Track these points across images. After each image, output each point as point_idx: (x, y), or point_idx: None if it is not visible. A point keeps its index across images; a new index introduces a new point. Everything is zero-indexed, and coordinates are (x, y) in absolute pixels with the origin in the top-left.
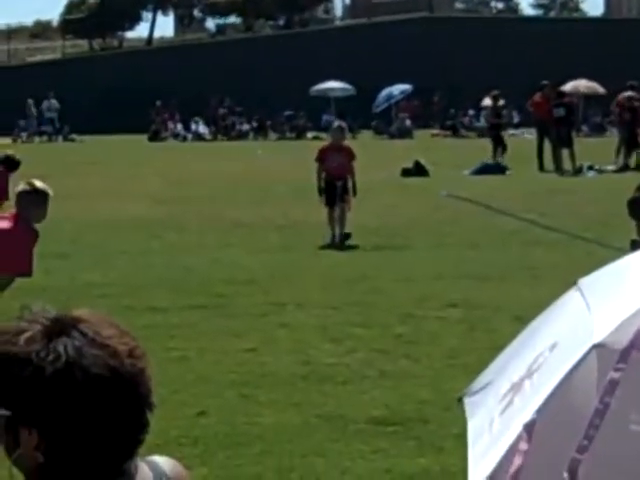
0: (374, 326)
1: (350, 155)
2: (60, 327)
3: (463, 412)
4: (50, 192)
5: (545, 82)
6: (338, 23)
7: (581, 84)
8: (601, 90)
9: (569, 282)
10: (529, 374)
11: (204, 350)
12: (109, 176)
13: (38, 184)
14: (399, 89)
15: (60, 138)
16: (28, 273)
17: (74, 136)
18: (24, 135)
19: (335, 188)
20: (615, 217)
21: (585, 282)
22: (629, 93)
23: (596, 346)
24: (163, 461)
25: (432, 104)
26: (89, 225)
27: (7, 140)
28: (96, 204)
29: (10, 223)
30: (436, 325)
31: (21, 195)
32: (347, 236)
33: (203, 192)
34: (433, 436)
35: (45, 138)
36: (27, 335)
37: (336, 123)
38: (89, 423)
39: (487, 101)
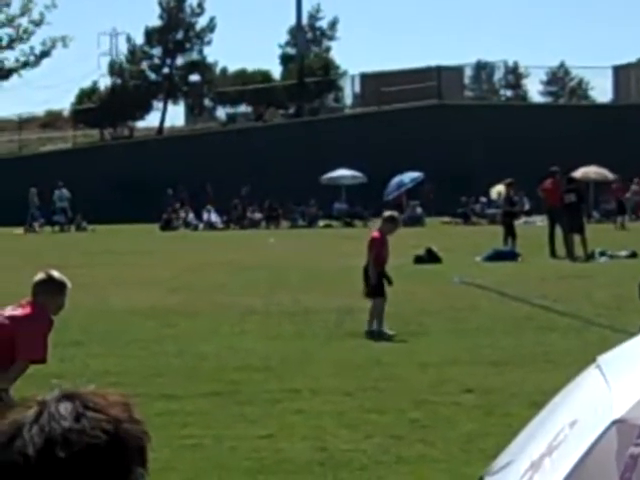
0: (389, 411)
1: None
2: (62, 395)
3: None
4: (68, 283)
5: (555, 168)
6: (348, 111)
7: (591, 170)
8: (611, 176)
9: (583, 367)
10: (549, 451)
11: (219, 437)
12: (121, 265)
13: (55, 274)
14: (410, 177)
15: (73, 228)
16: (43, 360)
17: (86, 225)
18: (35, 225)
19: (386, 278)
20: (628, 302)
21: (604, 359)
22: None
23: (616, 422)
24: None
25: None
26: (101, 314)
27: (19, 230)
28: (108, 293)
29: (27, 310)
30: (451, 410)
31: (38, 284)
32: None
33: (216, 280)
34: None
35: (57, 228)
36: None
37: (388, 213)
38: None
39: (495, 190)
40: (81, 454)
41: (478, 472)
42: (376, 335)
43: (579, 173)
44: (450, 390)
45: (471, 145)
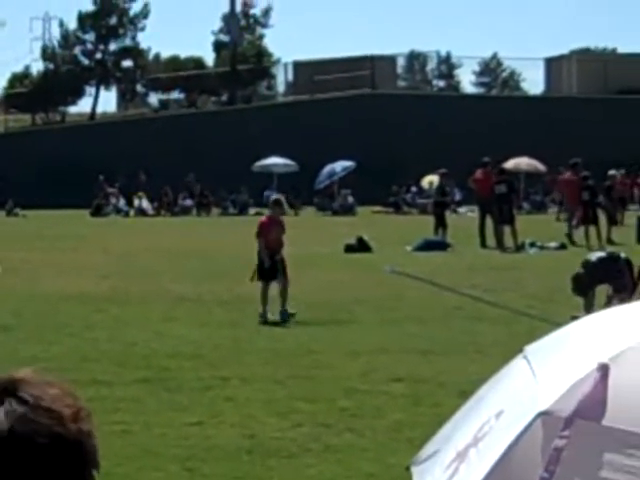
0: (319, 400)
1: (284, 229)
2: (0, 391)
3: None
4: None
5: (487, 159)
6: (281, 99)
7: (522, 162)
8: (542, 168)
9: (511, 358)
10: (475, 442)
11: (149, 424)
12: (53, 250)
13: None
14: (342, 166)
15: (3, 213)
16: None
17: (17, 210)
18: None
19: (275, 262)
20: (558, 293)
21: (531, 349)
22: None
23: (541, 414)
24: None
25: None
26: (32, 299)
27: None
28: (39, 278)
29: None
30: (380, 399)
31: None
32: (292, 315)
33: (147, 267)
34: None
35: None
36: None
37: (274, 196)
38: None
39: (427, 180)
40: (19, 458)
41: (405, 461)
42: (284, 316)
43: (511, 164)
44: (379, 379)
45: (404, 134)
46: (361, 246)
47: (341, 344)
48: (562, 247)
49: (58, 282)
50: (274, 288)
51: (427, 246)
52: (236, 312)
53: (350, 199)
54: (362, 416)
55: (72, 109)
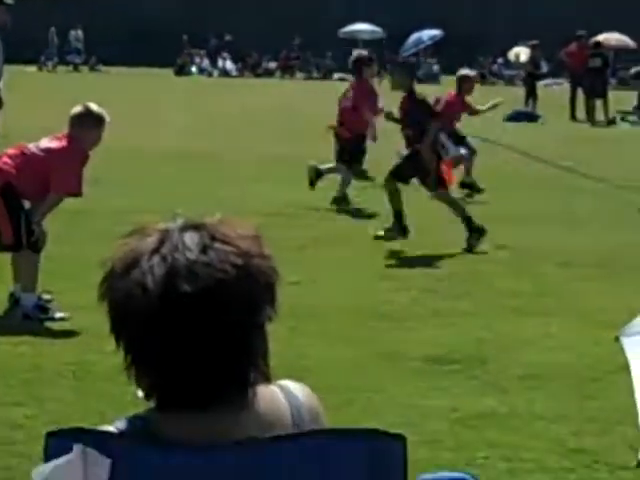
0: (417, 265)
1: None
2: (186, 224)
3: (621, 350)
4: (106, 117)
5: (581, 32)
6: None
7: (613, 37)
8: (632, 44)
9: (611, 230)
10: None
11: None
12: (137, 107)
13: (94, 107)
14: (428, 34)
15: (86, 69)
16: (78, 193)
17: (100, 67)
18: (49, 64)
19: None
20: None
21: None
22: None
23: None
24: (297, 388)
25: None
26: (121, 153)
27: (32, 68)
28: (125, 133)
29: (62, 143)
30: (484, 266)
31: (75, 117)
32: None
33: (234, 126)
34: (494, 377)
35: (71, 68)
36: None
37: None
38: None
39: (514, 52)
40: (207, 289)
41: (515, 330)
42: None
43: (601, 38)
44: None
45: (493, 4)
46: None
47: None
48: None
49: (147, 139)
50: None
51: (517, 117)
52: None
53: (435, 67)
54: (468, 281)
55: None
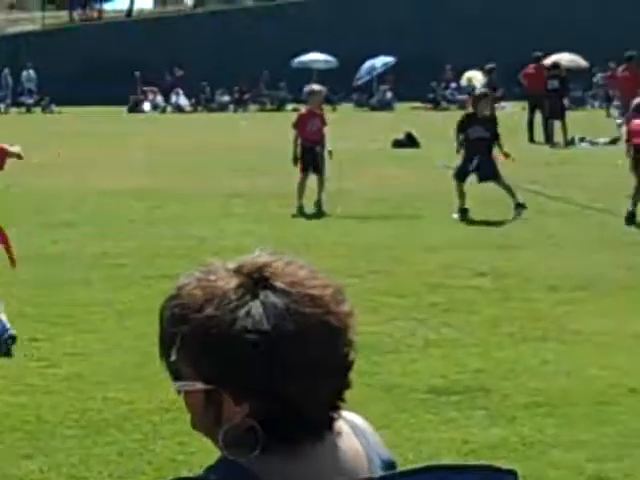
0: (406, 295)
1: (324, 121)
2: (250, 283)
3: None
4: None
5: (538, 53)
6: None
7: (564, 57)
8: (583, 64)
9: (590, 251)
10: None
11: None
12: (96, 147)
13: None
14: (382, 61)
15: (39, 109)
16: None
17: (53, 107)
18: (1, 106)
19: (315, 154)
20: (618, 187)
21: None
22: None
23: None
24: (357, 418)
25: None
26: (87, 195)
27: None
28: (89, 175)
29: None
30: (470, 294)
31: None
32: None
33: (194, 162)
34: (500, 406)
35: (23, 109)
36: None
37: (314, 87)
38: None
39: (467, 75)
40: (287, 357)
41: (512, 357)
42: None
43: (553, 59)
44: (463, 274)
45: (445, 31)
46: (410, 141)
47: (414, 239)
48: (612, 142)
49: (109, 179)
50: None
51: None
52: (292, 207)
53: (389, 95)
54: (455, 311)
55: (108, 6)
